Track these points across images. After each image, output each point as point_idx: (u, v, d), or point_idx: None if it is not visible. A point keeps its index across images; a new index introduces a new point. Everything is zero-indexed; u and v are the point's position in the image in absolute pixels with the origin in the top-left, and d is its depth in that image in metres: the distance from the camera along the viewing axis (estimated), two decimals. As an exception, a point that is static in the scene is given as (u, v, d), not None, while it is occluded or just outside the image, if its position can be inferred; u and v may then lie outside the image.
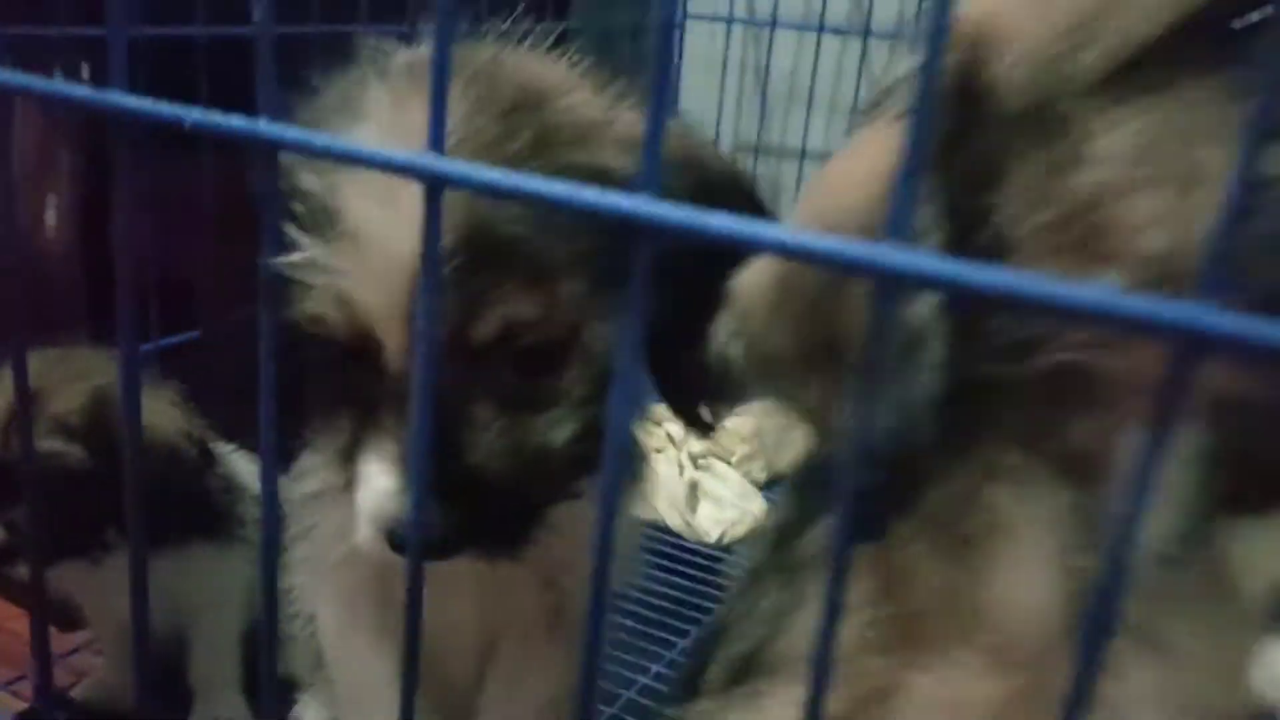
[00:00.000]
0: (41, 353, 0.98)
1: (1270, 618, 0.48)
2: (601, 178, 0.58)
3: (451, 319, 0.58)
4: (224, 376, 0.72)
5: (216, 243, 0.60)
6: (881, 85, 0.49)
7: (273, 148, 0.42)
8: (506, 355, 0.61)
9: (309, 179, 0.59)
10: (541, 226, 0.58)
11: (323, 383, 0.65)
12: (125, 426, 0.55)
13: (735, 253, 0.45)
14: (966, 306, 0.43)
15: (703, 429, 0.70)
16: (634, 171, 0.36)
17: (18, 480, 0.89)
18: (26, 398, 0.68)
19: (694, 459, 1.63)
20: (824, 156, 0.80)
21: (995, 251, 0.44)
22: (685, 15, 2.02)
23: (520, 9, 1.64)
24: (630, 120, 0.66)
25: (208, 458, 1.05)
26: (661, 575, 1.36)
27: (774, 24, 1.92)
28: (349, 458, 0.64)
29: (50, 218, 1.50)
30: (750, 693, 0.55)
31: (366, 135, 0.60)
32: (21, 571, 0.96)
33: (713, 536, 1.51)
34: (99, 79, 0.46)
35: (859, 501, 0.32)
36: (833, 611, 0.34)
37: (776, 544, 0.56)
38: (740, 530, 1.51)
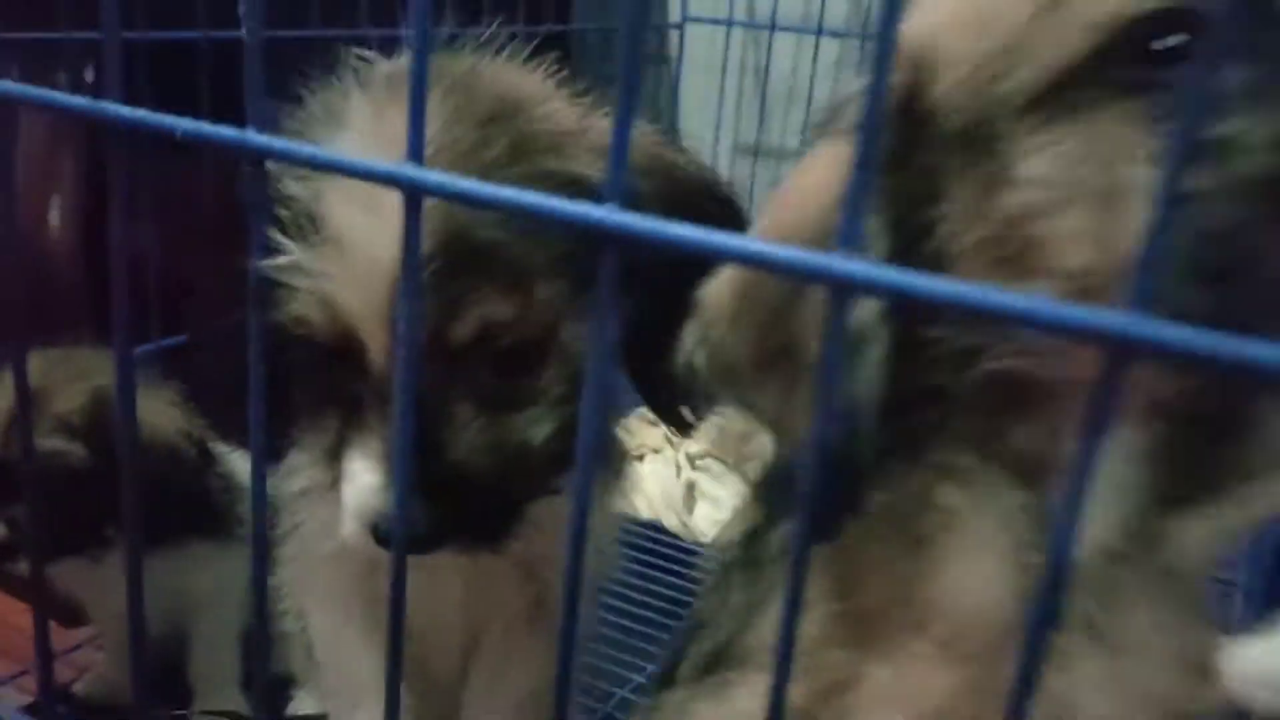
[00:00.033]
0: (44, 352, 1.00)
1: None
2: (575, 184, 0.60)
3: (431, 321, 0.60)
4: (213, 378, 0.74)
5: (209, 246, 0.61)
6: (831, 103, 0.50)
7: (260, 157, 0.44)
8: (485, 356, 0.63)
9: (293, 186, 0.61)
10: (517, 231, 0.60)
11: (309, 383, 0.67)
12: (121, 426, 0.57)
13: (707, 260, 0.47)
14: (910, 314, 0.44)
15: (683, 428, 0.72)
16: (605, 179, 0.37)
17: (19, 478, 0.91)
18: (27, 397, 0.70)
19: (691, 460, 1.64)
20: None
21: (938, 265, 0.46)
22: (685, 18, 2.03)
23: (520, 12, 1.65)
24: (603, 128, 0.67)
25: (207, 457, 1.06)
26: (658, 575, 1.37)
27: (773, 26, 1.93)
28: (335, 456, 0.66)
29: (54, 219, 1.52)
30: (719, 682, 0.57)
31: (348, 144, 0.62)
32: (22, 568, 0.98)
33: (709, 537, 1.52)
34: (103, 82, 0.47)
35: (815, 502, 0.34)
36: (793, 606, 0.35)
37: (745, 543, 0.58)
38: (736, 530, 1.52)
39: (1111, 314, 0.28)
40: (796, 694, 0.37)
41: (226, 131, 0.43)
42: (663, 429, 1.58)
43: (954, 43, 0.47)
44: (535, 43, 0.86)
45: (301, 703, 0.95)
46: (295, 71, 0.70)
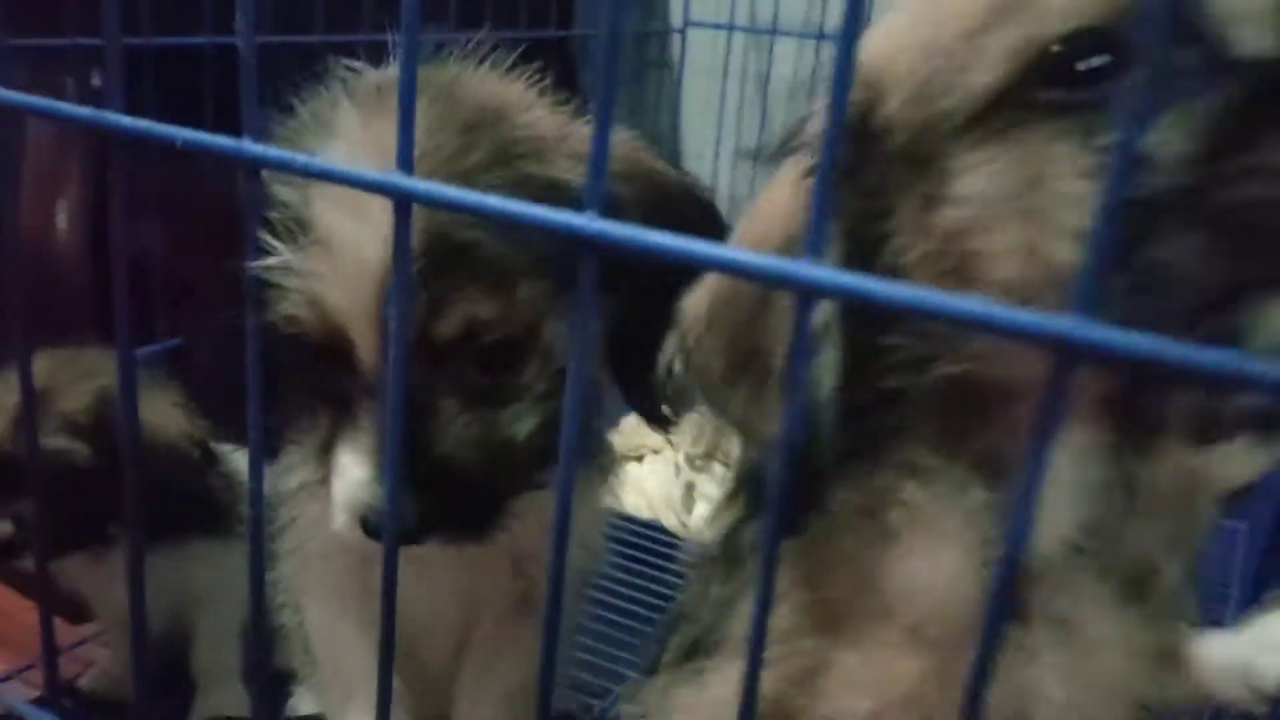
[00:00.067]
0: (51, 353, 1.01)
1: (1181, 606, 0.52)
2: (555, 188, 0.62)
3: (417, 319, 0.61)
4: (210, 378, 0.76)
5: (207, 248, 0.63)
6: (790, 122, 0.52)
7: (257, 166, 0.45)
8: (469, 353, 0.65)
9: (284, 190, 0.63)
10: (499, 234, 0.61)
11: (301, 382, 0.68)
12: (123, 425, 0.58)
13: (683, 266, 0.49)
14: (869, 321, 0.46)
15: (663, 426, 0.74)
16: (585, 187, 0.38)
17: (25, 476, 0.93)
18: (32, 396, 0.72)
19: (690, 460, 1.65)
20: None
21: (891, 276, 0.48)
22: (687, 22, 2.04)
23: (522, 17, 1.66)
24: (583, 135, 0.69)
25: (209, 457, 1.08)
26: (656, 574, 1.39)
27: (775, 31, 1.94)
28: (326, 452, 0.67)
29: (61, 221, 1.54)
30: (697, 669, 0.59)
31: (338, 151, 0.64)
32: (28, 564, 0.99)
33: (708, 536, 1.53)
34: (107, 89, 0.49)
35: (783, 500, 0.35)
36: (764, 597, 0.37)
37: (724, 538, 0.60)
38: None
39: (1059, 319, 0.29)
40: (769, 680, 0.39)
41: (224, 141, 0.45)
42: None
43: (900, 65, 0.50)
44: (537, 48, 0.87)
45: (300, 699, 0.97)
46: (294, 77, 0.72)
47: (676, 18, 2.05)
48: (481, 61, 0.72)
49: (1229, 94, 0.31)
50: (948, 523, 0.50)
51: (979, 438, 0.50)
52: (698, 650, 0.60)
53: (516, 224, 0.38)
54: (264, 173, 0.51)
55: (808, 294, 0.33)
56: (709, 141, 2.00)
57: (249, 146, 0.45)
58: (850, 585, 0.53)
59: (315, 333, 0.64)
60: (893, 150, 0.49)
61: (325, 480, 0.68)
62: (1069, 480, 0.49)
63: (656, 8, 2.08)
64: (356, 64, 0.70)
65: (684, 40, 2.04)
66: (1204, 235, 0.33)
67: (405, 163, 0.41)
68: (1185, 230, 0.35)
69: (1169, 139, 0.37)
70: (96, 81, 1.29)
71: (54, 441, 0.98)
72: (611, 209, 0.61)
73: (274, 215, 0.62)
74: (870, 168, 0.49)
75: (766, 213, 0.52)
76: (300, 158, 0.45)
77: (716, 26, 2.00)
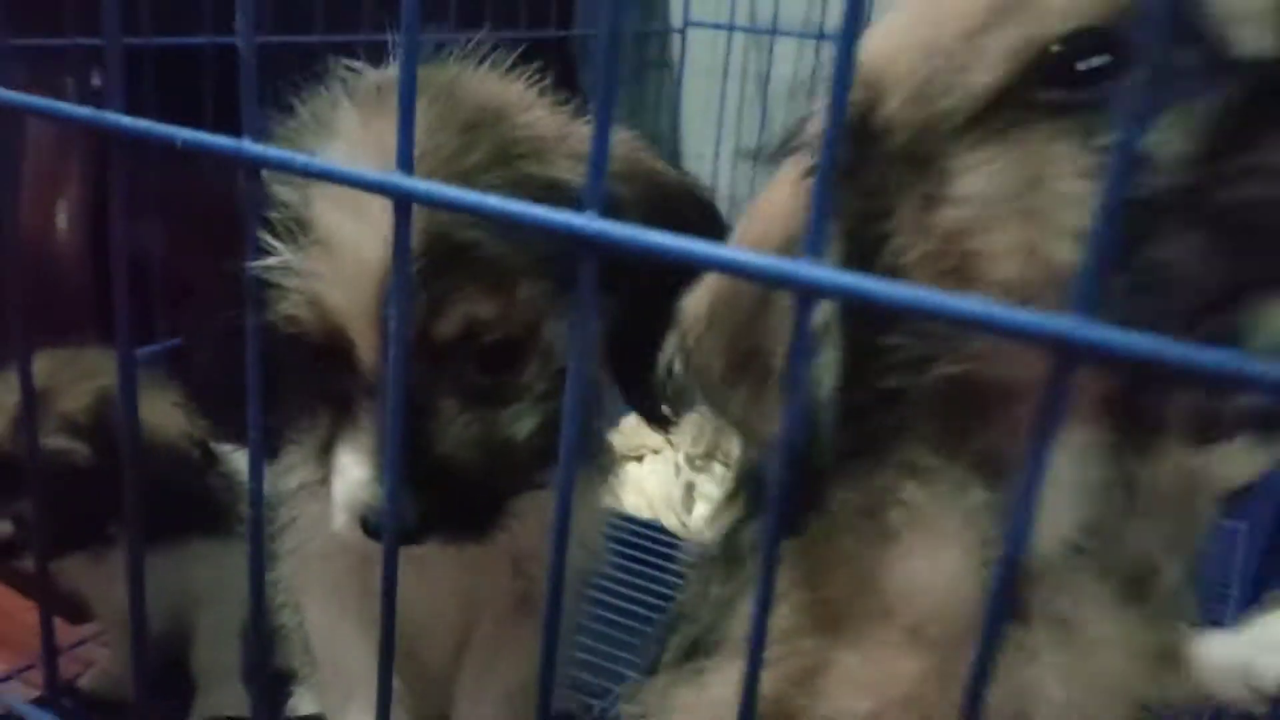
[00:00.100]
0: (51, 353, 1.01)
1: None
2: (554, 188, 0.62)
3: (417, 318, 0.61)
4: (210, 378, 0.76)
5: (207, 248, 0.63)
6: (787, 125, 0.52)
7: (256, 166, 0.45)
8: (470, 353, 0.65)
9: (284, 190, 0.63)
10: (498, 234, 0.61)
11: (301, 382, 0.68)
12: (123, 425, 0.58)
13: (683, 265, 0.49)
14: (869, 321, 0.46)
15: (663, 426, 0.74)
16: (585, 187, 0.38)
17: (25, 475, 0.93)
18: (32, 396, 0.72)
19: (690, 461, 1.65)
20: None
21: (891, 276, 0.48)
22: (687, 22, 2.04)
23: (522, 17, 1.66)
24: (583, 135, 0.69)
25: (209, 457, 1.08)
26: (656, 574, 1.39)
27: (775, 31, 1.94)
28: (326, 452, 0.67)
29: (61, 221, 1.54)
30: (697, 669, 0.59)
31: (338, 151, 0.64)
32: (28, 564, 0.99)
33: (708, 536, 1.53)
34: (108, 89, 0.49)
35: (783, 501, 0.35)
36: (764, 597, 0.37)
37: (724, 538, 0.60)
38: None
39: (1058, 319, 0.29)
40: (769, 680, 0.39)
41: (224, 141, 0.45)
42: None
43: (900, 65, 0.50)
44: (537, 48, 0.87)
45: (301, 699, 0.97)
46: (295, 77, 0.72)
47: (677, 18, 2.05)
48: (481, 61, 0.72)
49: (1229, 94, 0.31)
50: (948, 523, 0.50)
51: (979, 438, 0.50)
52: (698, 650, 0.60)
53: (516, 224, 0.38)
54: (264, 173, 0.51)
55: (808, 294, 0.33)
56: (709, 141, 2.00)
57: (249, 146, 0.45)
58: (850, 585, 0.53)
59: (315, 333, 0.64)
60: (893, 150, 0.49)
61: (325, 480, 0.68)
62: (1069, 480, 0.49)
63: (656, 8, 2.08)
64: (356, 64, 0.70)
65: (684, 40, 2.04)
66: (1204, 235, 0.33)
67: (405, 163, 0.41)
68: (1185, 230, 0.35)
69: (1169, 139, 0.37)
70: (97, 81, 1.29)
71: (54, 441, 0.98)
72: (611, 209, 0.61)
73: (274, 215, 0.62)
74: (870, 168, 0.49)
75: (766, 213, 0.52)
76: (300, 158, 0.45)
77: (716, 26, 2.00)
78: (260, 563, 0.53)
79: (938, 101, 0.47)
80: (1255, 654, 0.91)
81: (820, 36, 1.87)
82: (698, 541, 0.64)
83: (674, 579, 1.37)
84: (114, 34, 0.50)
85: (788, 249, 0.47)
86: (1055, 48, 0.44)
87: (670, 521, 1.57)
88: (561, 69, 1.78)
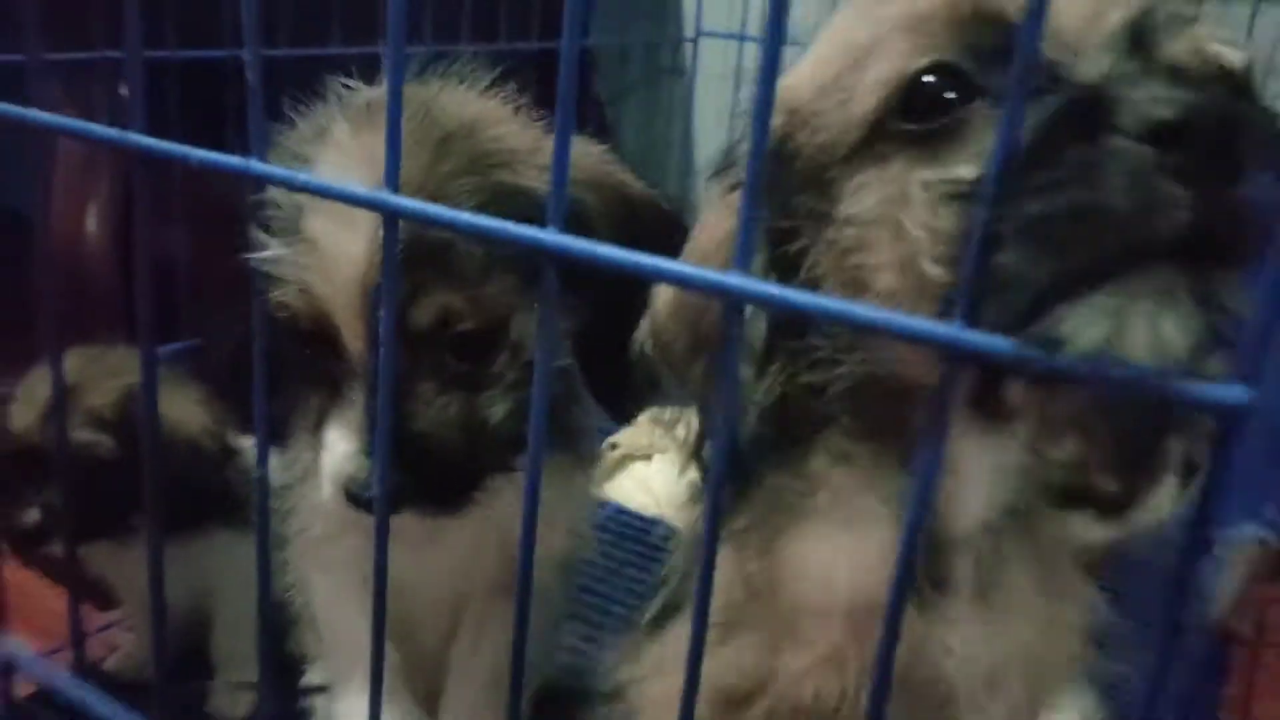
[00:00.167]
0: (80, 351, 1.07)
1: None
2: (524, 196, 0.68)
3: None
4: (226, 371, 0.81)
5: (222, 248, 0.69)
6: (726, 148, 0.58)
7: (262, 182, 0.50)
8: (445, 341, 0.72)
9: (278, 194, 0.69)
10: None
11: (296, 366, 0.74)
12: (144, 420, 0.64)
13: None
14: (793, 325, 0.52)
15: (625, 417, 0.80)
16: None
17: (53, 466, 0.98)
18: (62, 391, 0.77)
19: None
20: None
21: (810, 287, 0.54)
22: (699, 32, 2.08)
23: (535, 29, 1.71)
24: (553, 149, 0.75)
25: (228, 451, 1.13)
26: (660, 567, 1.43)
27: (785, 41, 1.98)
28: (318, 431, 0.74)
29: (91, 225, 1.60)
30: (663, 628, 0.68)
31: (331, 163, 0.70)
32: (56, 550, 1.04)
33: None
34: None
35: (722, 480, 0.40)
36: (707, 567, 0.42)
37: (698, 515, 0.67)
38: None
39: (944, 326, 0.34)
40: (716, 640, 0.44)
41: (233, 160, 0.50)
42: (669, 432, 1.65)
43: (805, 97, 0.55)
44: (550, 58, 0.90)
45: (313, 676, 1.01)
46: (311, 87, 0.77)
47: (689, 27, 2.09)
48: (469, 77, 0.78)
49: (1047, 113, 0.35)
50: (868, 503, 0.55)
51: (890, 428, 0.55)
52: (668, 613, 0.67)
53: (489, 238, 0.43)
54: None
55: (736, 302, 0.38)
56: (721, 148, 2.04)
57: (255, 165, 0.50)
58: (785, 558, 0.58)
59: (306, 319, 0.70)
60: (799, 174, 0.54)
61: (317, 456, 0.74)
62: (985, 466, 0.54)
63: (669, 18, 2.12)
64: (350, 81, 0.76)
65: (696, 49, 2.08)
66: (1019, 245, 0.37)
67: (392, 181, 0.46)
68: (1010, 241, 0.39)
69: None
70: (124, 91, 1.34)
71: (81, 435, 1.02)
72: (578, 218, 0.67)
73: (272, 216, 0.68)
74: (784, 190, 0.54)
75: (711, 225, 0.57)
76: (300, 176, 0.50)
77: (728, 36, 2.03)
78: (266, 545, 0.58)
79: (828, 131, 0.52)
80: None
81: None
82: (669, 523, 0.71)
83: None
84: (135, 56, 0.55)
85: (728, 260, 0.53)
86: (910, 81, 0.49)
87: (676, 518, 1.60)
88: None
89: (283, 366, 0.67)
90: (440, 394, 0.72)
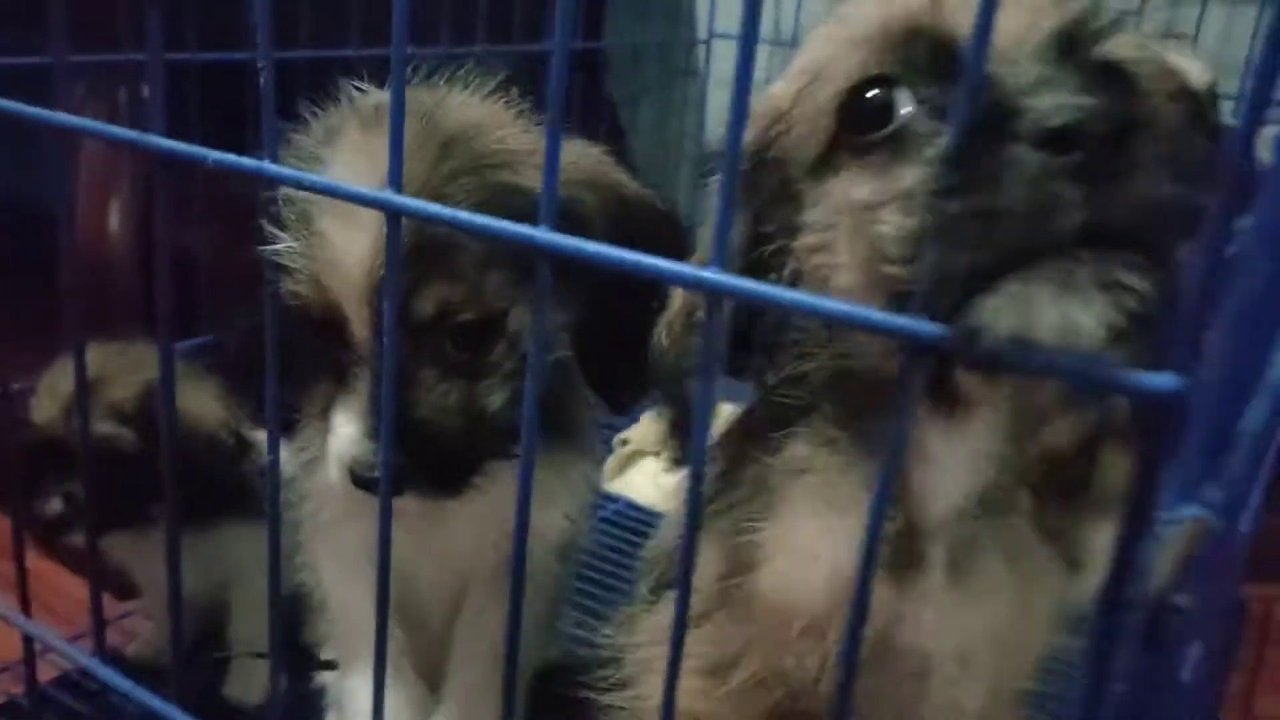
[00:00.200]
0: (103, 346, 1.09)
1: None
2: (522, 194, 0.71)
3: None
4: (242, 364, 0.84)
5: (238, 243, 0.73)
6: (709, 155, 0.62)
7: (275, 182, 0.53)
8: (445, 330, 0.74)
9: (291, 192, 0.71)
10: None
11: (307, 357, 0.77)
12: (163, 413, 0.67)
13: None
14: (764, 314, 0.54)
15: (622, 410, 0.82)
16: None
17: (76, 458, 1.01)
18: (85, 386, 0.80)
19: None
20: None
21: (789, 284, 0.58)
22: (712, 34, 2.10)
23: (547, 32, 1.74)
24: None
25: (244, 445, 1.15)
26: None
27: (796, 43, 2.00)
28: (325, 416, 0.77)
29: (113, 222, 1.63)
30: (657, 601, 0.72)
31: (342, 163, 0.73)
32: (77, 540, 1.07)
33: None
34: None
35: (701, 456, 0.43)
36: (689, 541, 0.44)
37: None
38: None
39: (903, 319, 0.36)
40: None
41: (248, 162, 0.53)
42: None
43: (785, 108, 0.59)
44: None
45: (325, 657, 1.04)
46: (323, 87, 0.81)
47: (702, 29, 2.11)
48: (474, 83, 0.82)
49: (970, 117, 0.38)
50: (849, 487, 0.58)
51: (866, 416, 0.58)
52: (660, 588, 0.72)
53: (486, 235, 0.46)
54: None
55: (715, 295, 0.40)
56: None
57: (269, 166, 0.53)
58: (775, 534, 0.62)
59: (316, 309, 0.74)
60: (777, 181, 0.57)
61: (326, 442, 0.77)
62: (958, 454, 0.57)
63: (682, 19, 2.15)
64: (362, 84, 0.80)
65: (709, 50, 2.10)
66: (941, 245, 0.39)
67: (396, 182, 0.49)
68: (935, 241, 0.41)
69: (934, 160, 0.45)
70: (146, 93, 1.37)
71: (103, 427, 1.05)
72: (575, 217, 0.70)
73: (285, 212, 0.71)
74: (764, 195, 0.57)
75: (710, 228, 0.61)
76: (309, 176, 0.53)
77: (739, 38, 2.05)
78: (277, 530, 0.61)
79: (798, 143, 0.55)
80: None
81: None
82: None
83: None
84: (156, 61, 0.57)
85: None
86: (854, 89, 0.53)
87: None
88: (586, 79, 1.85)
89: (294, 355, 0.70)
90: (441, 381, 0.75)
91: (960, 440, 0.57)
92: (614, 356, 0.77)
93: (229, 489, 1.14)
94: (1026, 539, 0.60)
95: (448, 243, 0.71)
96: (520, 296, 0.75)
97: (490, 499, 0.77)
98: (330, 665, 0.98)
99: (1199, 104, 0.57)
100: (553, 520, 0.86)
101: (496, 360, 0.76)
